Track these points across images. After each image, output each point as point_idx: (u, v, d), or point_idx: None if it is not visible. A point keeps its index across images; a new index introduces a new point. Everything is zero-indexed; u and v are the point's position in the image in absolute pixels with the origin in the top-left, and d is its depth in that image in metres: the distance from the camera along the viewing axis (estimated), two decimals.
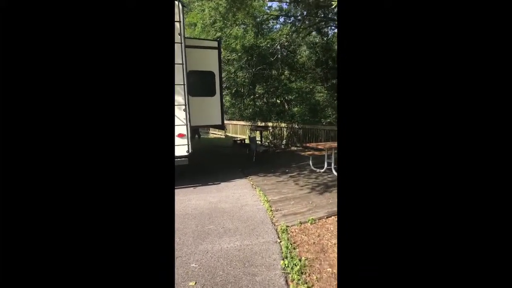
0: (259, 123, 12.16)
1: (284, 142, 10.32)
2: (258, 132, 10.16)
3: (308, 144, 6.30)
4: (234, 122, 14.60)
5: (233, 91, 15.43)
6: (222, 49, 9.03)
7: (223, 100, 7.45)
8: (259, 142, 9.70)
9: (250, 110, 14.30)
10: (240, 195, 4.37)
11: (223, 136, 14.99)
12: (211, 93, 6.44)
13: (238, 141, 11.26)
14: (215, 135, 15.78)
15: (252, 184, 5.04)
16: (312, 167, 6.24)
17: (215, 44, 6.50)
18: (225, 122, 15.91)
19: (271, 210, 3.74)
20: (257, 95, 14.42)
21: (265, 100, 14.33)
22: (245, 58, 11.73)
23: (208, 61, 6.40)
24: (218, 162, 7.46)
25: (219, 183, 5.09)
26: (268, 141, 11.06)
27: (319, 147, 5.68)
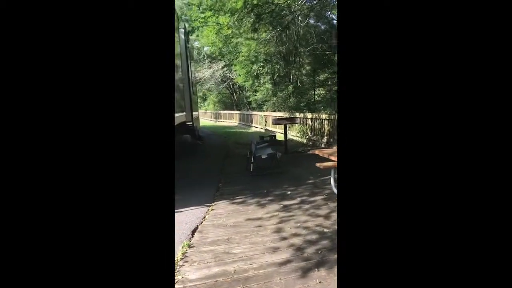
0: (283, 114, 9.60)
1: (325, 139, 7.66)
2: (281, 126, 7.62)
3: (317, 151, 3.60)
4: (273, 114, 12.27)
5: (275, 77, 13.11)
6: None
7: (191, 92, 6.31)
8: (275, 138, 7.23)
9: (292, 99, 11.77)
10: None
11: (263, 130, 12.82)
12: None
13: (266, 137, 8.95)
14: (256, 129, 13.71)
15: (200, 223, 2.83)
16: (334, 187, 3.64)
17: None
18: (265, 114, 13.86)
19: None
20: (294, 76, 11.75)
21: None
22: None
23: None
24: (201, 171, 5.36)
25: None
26: (307, 137, 8.50)
27: (324, 155, 3.02)
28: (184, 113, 5.49)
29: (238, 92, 20.09)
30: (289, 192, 3.79)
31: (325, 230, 2.62)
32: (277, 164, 4.89)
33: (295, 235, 2.54)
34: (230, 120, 18.90)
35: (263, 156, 4.73)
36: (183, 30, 5.98)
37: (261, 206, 3.33)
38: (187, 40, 6.31)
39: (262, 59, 12.43)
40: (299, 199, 3.52)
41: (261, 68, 12.79)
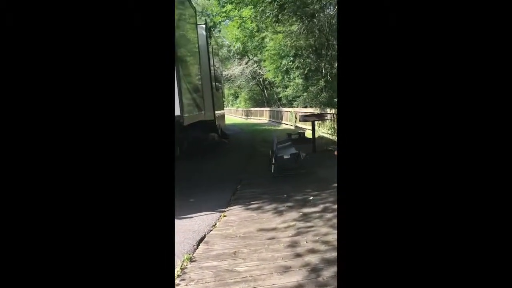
0: (313, 110, 9.01)
1: None
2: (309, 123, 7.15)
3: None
4: (303, 110, 11.75)
5: (306, 72, 12.56)
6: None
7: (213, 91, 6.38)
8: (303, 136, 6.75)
9: (324, 94, 11.16)
10: None
11: (293, 127, 12.39)
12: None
13: (294, 135, 8.55)
14: (286, 126, 13.29)
15: (209, 232, 2.58)
16: None
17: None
18: (295, 110, 13.36)
19: None
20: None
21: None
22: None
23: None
24: (221, 171, 5.14)
25: None
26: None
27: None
28: (203, 112, 5.32)
29: (268, 89, 19.77)
30: (311, 198, 3.42)
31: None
32: (301, 165, 4.52)
33: (312, 251, 2.20)
34: (261, 117, 18.66)
35: (285, 157, 4.38)
36: (203, 25, 5.81)
37: (278, 213, 3.01)
38: (208, 36, 6.14)
39: (291, 53, 11.97)
40: (321, 206, 3.14)
41: (291, 63, 12.32)
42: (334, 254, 2.11)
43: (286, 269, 1.97)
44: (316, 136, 9.62)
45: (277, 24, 8.12)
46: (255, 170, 4.99)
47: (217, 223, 2.84)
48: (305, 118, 6.60)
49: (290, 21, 8.48)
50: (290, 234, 2.50)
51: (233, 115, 25.64)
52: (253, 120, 19.78)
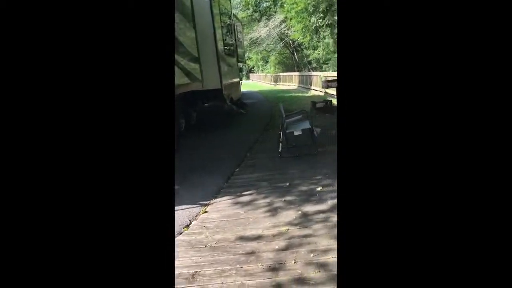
0: (334, 74, 7.78)
1: None
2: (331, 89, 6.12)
3: None
4: (334, 74, 10.48)
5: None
6: None
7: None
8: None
9: None
10: None
11: (322, 94, 11.26)
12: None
13: (320, 104, 7.59)
14: (315, 92, 12.16)
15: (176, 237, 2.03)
16: None
17: None
18: (324, 75, 12.04)
19: None
20: None
21: None
22: None
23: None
24: (224, 149, 4.50)
25: None
26: None
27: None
28: (200, 80, 4.60)
29: (299, 51, 18.25)
30: (319, 188, 2.71)
31: None
32: (315, 143, 3.74)
33: (299, 281, 1.56)
34: (290, 83, 17.45)
35: (296, 133, 3.62)
36: None
37: (271, 211, 2.37)
38: None
39: (322, 9, 10.51)
40: (329, 202, 2.43)
41: (321, 20, 10.89)
42: None
43: None
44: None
45: None
46: (263, 148, 4.31)
47: (193, 222, 2.28)
48: (328, 83, 5.61)
49: None
50: (277, 247, 1.86)
51: (262, 81, 24.54)
52: (281, 86, 18.64)
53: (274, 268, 1.66)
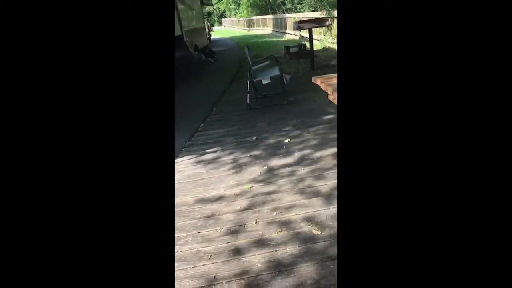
0: (320, 14, 7.24)
1: None
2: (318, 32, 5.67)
3: (318, 81, 2.07)
4: (309, 15, 9.77)
5: None
6: None
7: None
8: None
9: None
10: None
11: (297, 38, 10.65)
12: None
13: (293, 48, 7.16)
14: (291, 36, 11.48)
15: None
16: None
17: None
18: (299, 17, 11.27)
19: None
20: None
21: None
22: None
23: None
24: (190, 102, 4.19)
25: None
26: None
27: (327, 88, 1.66)
28: None
29: None
30: (287, 140, 2.56)
31: (318, 233, 1.48)
32: (286, 91, 3.50)
33: (259, 243, 1.46)
34: (264, 27, 16.39)
35: (264, 81, 3.34)
36: None
37: (236, 168, 2.22)
38: None
39: None
40: (297, 155, 2.30)
41: None
42: (293, 248, 1.37)
43: (211, 283, 1.28)
44: (321, 47, 8.17)
45: None
46: (231, 100, 4.03)
47: None
48: (299, 25, 5.15)
49: None
50: (239, 208, 1.74)
51: (235, 27, 23.00)
52: (255, 31, 17.53)
53: (234, 231, 1.55)
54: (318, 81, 1.73)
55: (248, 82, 3.41)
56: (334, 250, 1.35)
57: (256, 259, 1.35)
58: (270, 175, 2.05)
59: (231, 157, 2.39)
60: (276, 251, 1.39)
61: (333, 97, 1.55)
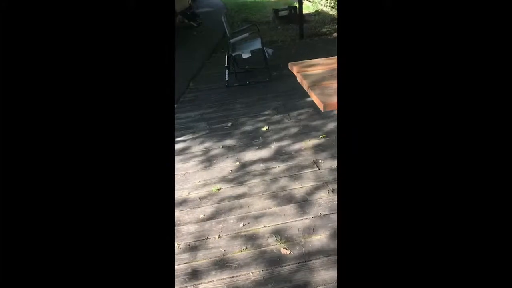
0: None
1: None
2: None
3: (295, 69, 1.78)
4: None
5: None
6: None
7: None
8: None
9: None
10: None
11: None
12: None
13: (283, 12, 6.58)
14: None
15: None
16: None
17: None
18: None
19: None
20: None
21: None
22: None
23: None
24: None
25: None
26: None
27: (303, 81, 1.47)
28: None
29: None
30: (265, 128, 2.31)
31: (287, 252, 1.29)
32: (267, 67, 3.15)
33: (220, 266, 1.28)
34: None
35: (244, 55, 2.98)
36: None
37: (205, 163, 1.99)
38: None
39: None
40: (274, 146, 2.06)
41: None
42: (255, 273, 1.19)
43: None
44: (313, 11, 7.54)
45: None
46: (210, 74, 3.67)
47: None
48: None
49: None
50: (202, 216, 1.55)
51: None
52: None
53: (193, 247, 1.37)
54: (294, 69, 1.44)
55: (227, 56, 3.05)
56: (302, 276, 1.18)
57: (212, 287, 1.19)
58: (242, 172, 1.83)
59: (202, 147, 2.15)
60: (237, 276, 1.21)
61: (310, 93, 1.28)
